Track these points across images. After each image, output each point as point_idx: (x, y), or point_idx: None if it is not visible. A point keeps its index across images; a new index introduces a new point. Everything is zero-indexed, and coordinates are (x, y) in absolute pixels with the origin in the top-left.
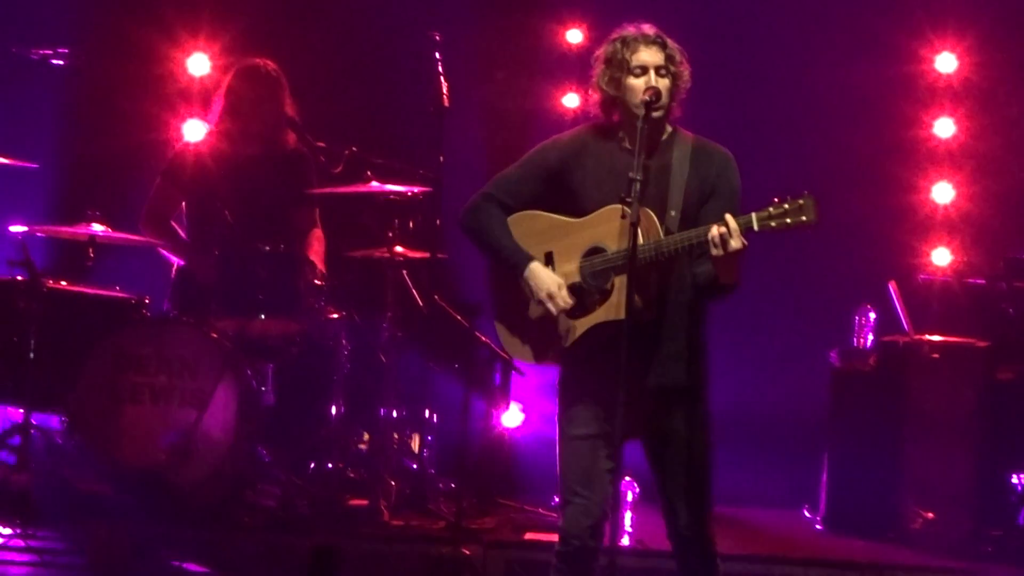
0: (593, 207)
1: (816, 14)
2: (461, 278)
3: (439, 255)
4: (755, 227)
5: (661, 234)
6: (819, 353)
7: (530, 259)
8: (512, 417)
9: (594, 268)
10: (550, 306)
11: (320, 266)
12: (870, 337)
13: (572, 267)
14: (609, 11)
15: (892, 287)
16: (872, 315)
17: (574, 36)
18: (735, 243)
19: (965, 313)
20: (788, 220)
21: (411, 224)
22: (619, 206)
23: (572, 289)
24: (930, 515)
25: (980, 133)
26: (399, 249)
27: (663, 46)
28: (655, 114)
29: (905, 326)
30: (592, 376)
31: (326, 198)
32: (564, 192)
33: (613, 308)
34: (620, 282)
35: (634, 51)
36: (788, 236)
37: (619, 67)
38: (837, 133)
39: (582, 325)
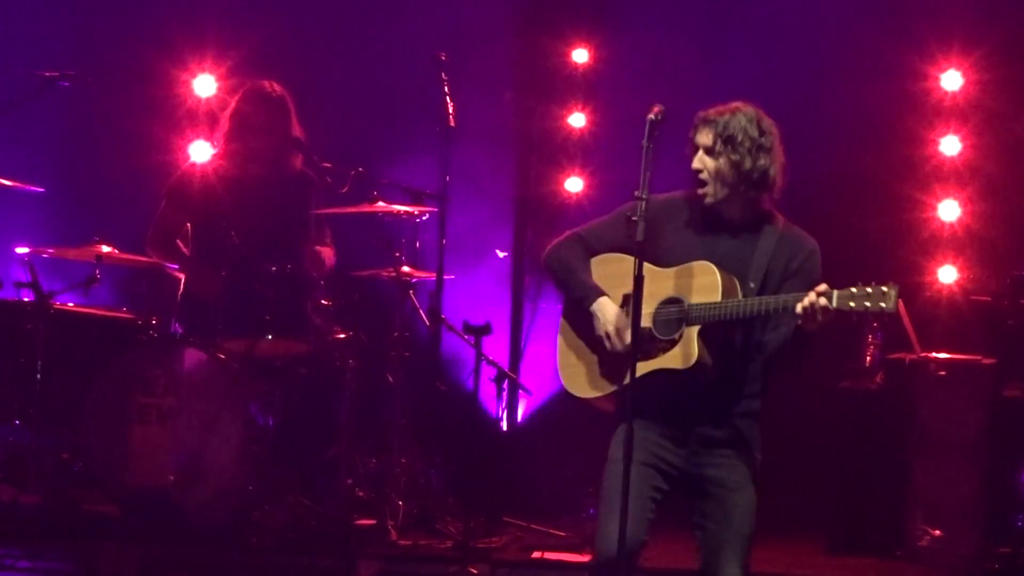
0: (674, 262)
1: (822, 32)
2: (468, 298)
3: (445, 275)
4: (833, 304)
5: (739, 295)
6: (826, 371)
7: (601, 294)
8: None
9: (667, 317)
10: (615, 340)
11: (326, 262)
12: (877, 355)
13: (647, 312)
14: (615, 31)
15: (899, 305)
16: (879, 333)
17: (580, 56)
18: (824, 301)
19: (972, 330)
20: (867, 304)
21: (417, 244)
22: (706, 263)
23: (640, 334)
24: (938, 532)
25: (986, 151)
26: (406, 269)
27: (715, 126)
28: (704, 196)
29: (913, 344)
30: (648, 415)
31: (333, 218)
32: (650, 245)
33: (677, 357)
34: (690, 333)
35: (696, 132)
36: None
37: (690, 144)
38: (843, 150)
39: (643, 368)
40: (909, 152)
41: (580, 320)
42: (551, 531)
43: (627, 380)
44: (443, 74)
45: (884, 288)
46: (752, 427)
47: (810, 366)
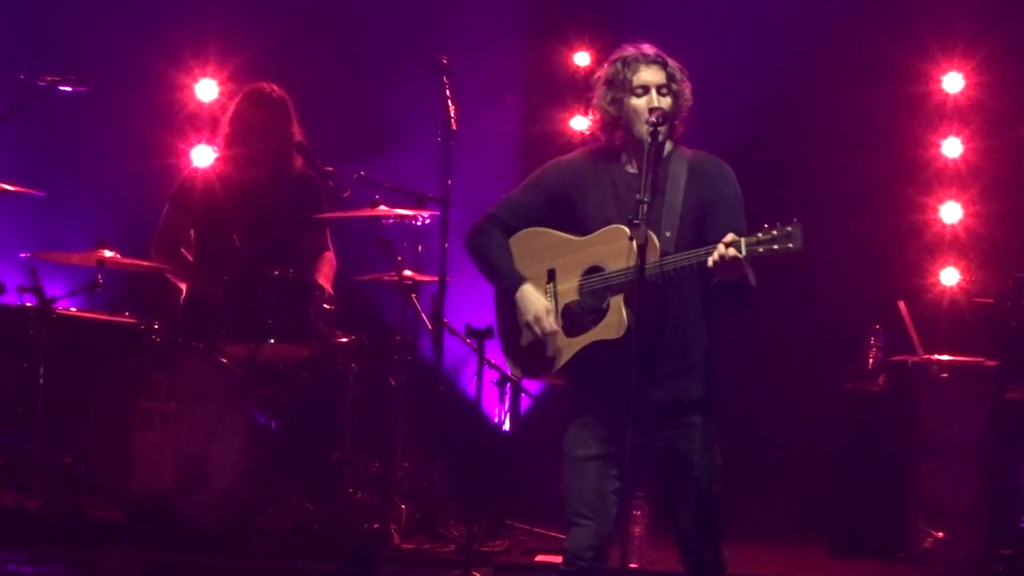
0: (595, 228)
1: (824, 35)
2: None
3: (448, 279)
4: (743, 252)
5: (658, 254)
6: (828, 374)
7: (522, 281)
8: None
9: (591, 287)
10: (536, 329)
11: (328, 289)
12: (879, 357)
13: (572, 285)
14: (616, 34)
15: (901, 307)
16: (881, 335)
17: (581, 59)
18: (733, 252)
19: (974, 332)
20: (775, 246)
21: (419, 248)
22: (620, 226)
23: (569, 308)
24: (940, 535)
25: (988, 153)
26: (408, 273)
27: (664, 65)
28: (657, 136)
29: (915, 346)
30: (593, 396)
31: (335, 222)
32: (566, 213)
33: (609, 327)
34: (616, 302)
35: (635, 71)
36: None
37: (621, 87)
38: (845, 153)
39: (576, 344)
40: (911, 154)
41: (509, 305)
42: (554, 535)
43: (566, 355)
44: (445, 78)
45: (789, 228)
46: (700, 384)
47: (754, 307)
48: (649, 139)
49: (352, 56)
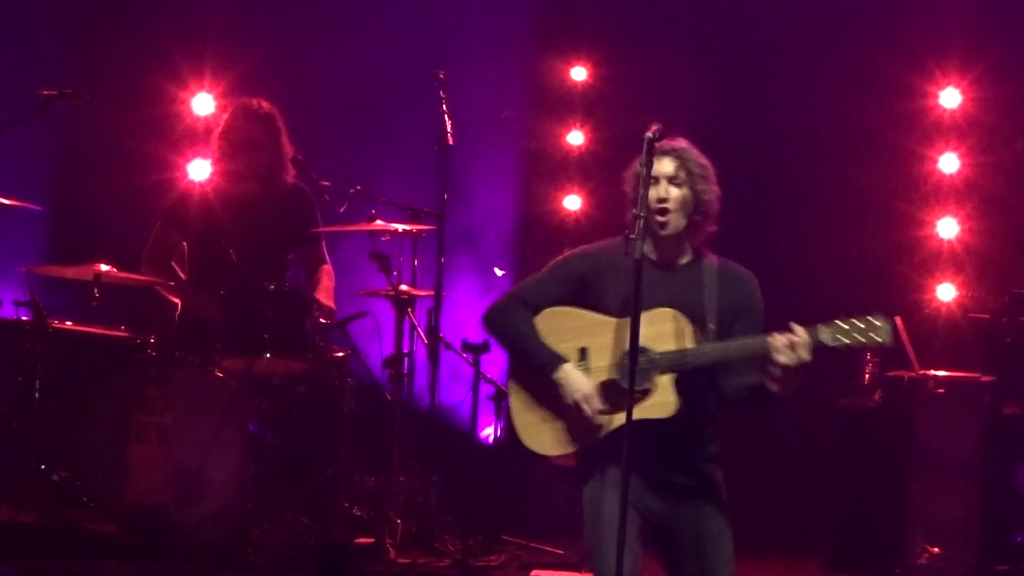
0: (617, 312)
1: (821, 50)
2: (466, 316)
3: (444, 293)
4: (829, 342)
5: (692, 342)
6: (824, 389)
7: (562, 361)
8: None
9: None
10: (586, 407)
11: (330, 302)
12: (875, 372)
13: (606, 363)
14: (613, 49)
15: (897, 322)
16: (877, 351)
17: (578, 74)
18: (804, 354)
19: (970, 348)
20: (862, 339)
21: (415, 262)
22: (666, 310)
23: (606, 386)
24: (936, 550)
25: (985, 168)
26: (404, 287)
27: (677, 157)
28: (665, 226)
29: (911, 361)
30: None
31: (331, 236)
32: (589, 298)
33: (659, 407)
34: (664, 382)
35: (650, 161)
36: (790, 272)
37: (638, 180)
38: (842, 168)
39: (617, 421)
40: (908, 170)
41: (536, 382)
42: (550, 549)
43: (607, 430)
44: (441, 92)
45: (878, 322)
46: (717, 471)
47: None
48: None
49: (349, 71)
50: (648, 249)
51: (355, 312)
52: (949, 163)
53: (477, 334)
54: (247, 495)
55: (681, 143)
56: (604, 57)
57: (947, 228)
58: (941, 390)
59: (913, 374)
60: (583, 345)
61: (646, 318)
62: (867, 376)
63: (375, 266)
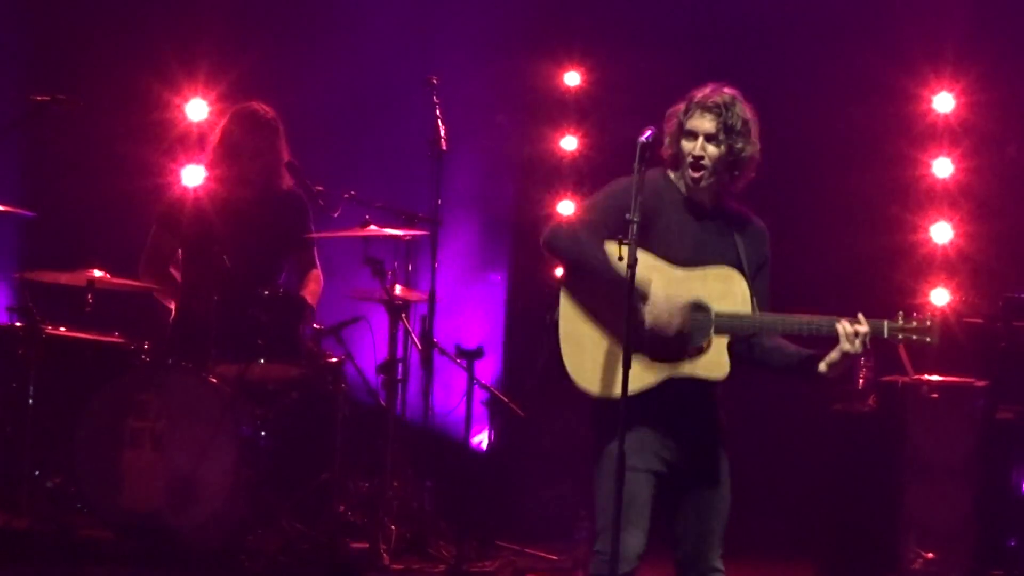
0: (672, 258)
1: (814, 54)
2: (460, 321)
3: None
4: (885, 335)
5: (746, 305)
6: (818, 393)
7: (649, 282)
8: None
9: (697, 324)
10: (676, 320)
11: (313, 302)
12: (870, 377)
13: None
14: (606, 54)
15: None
16: (871, 355)
17: (572, 79)
18: (863, 346)
19: (964, 353)
20: (915, 337)
21: (409, 268)
22: (729, 270)
23: (656, 332)
24: (930, 555)
25: (978, 173)
26: (398, 292)
27: (719, 114)
28: (699, 181)
29: (905, 366)
30: (657, 420)
31: (325, 241)
32: (649, 235)
33: (712, 366)
34: (719, 343)
35: (690, 116)
36: (784, 276)
37: (678, 128)
38: (836, 173)
39: (669, 371)
40: (901, 174)
41: (598, 306)
42: (543, 555)
43: (655, 380)
44: (435, 97)
45: (930, 323)
46: (723, 418)
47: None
48: (637, 157)
49: (342, 76)
50: (679, 185)
51: (349, 317)
52: (943, 167)
53: (471, 339)
54: (241, 501)
55: (727, 95)
56: (597, 62)
57: (941, 232)
58: (935, 395)
59: (907, 379)
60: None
61: (708, 273)
62: (861, 381)
63: (369, 271)
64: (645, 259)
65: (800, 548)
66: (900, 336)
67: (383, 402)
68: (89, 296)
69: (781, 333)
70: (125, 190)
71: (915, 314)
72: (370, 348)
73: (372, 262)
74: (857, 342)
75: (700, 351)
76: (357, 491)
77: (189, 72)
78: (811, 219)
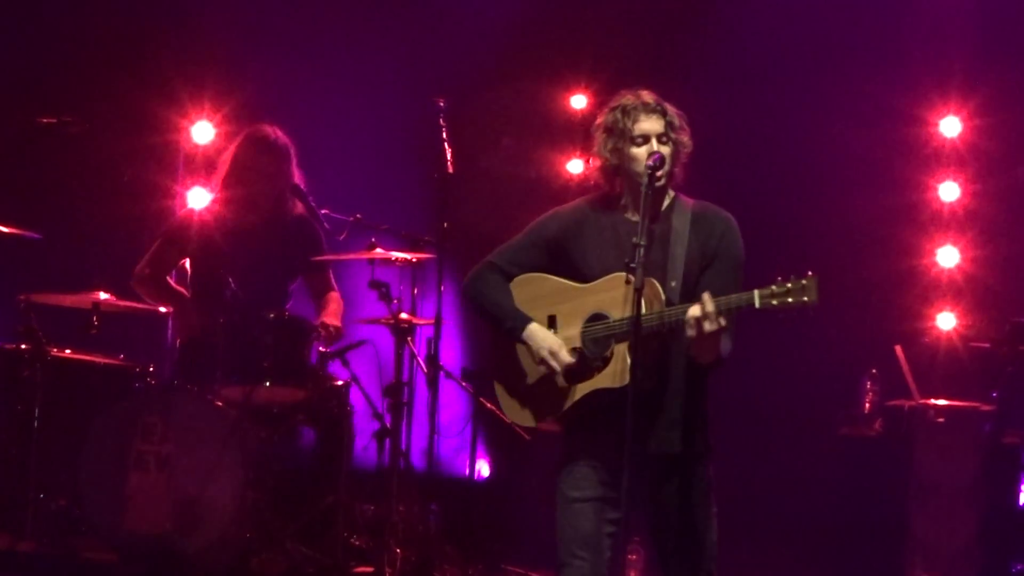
0: (595, 275)
1: (821, 79)
2: (466, 345)
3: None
4: (756, 304)
5: (663, 304)
6: (825, 417)
7: (528, 321)
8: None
9: (595, 335)
10: (553, 363)
11: (336, 321)
12: (876, 401)
13: (574, 332)
14: (613, 77)
15: (898, 351)
16: (878, 380)
17: (578, 102)
18: (708, 326)
19: (970, 377)
20: (790, 299)
21: (415, 291)
22: (624, 274)
23: (573, 353)
24: None
25: (985, 197)
26: (404, 316)
27: (663, 113)
28: (659, 182)
29: (911, 390)
30: (594, 440)
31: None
32: (566, 261)
33: (611, 376)
34: (620, 350)
35: (635, 120)
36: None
37: (620, 136)
38: (842, 196)
39: (581, 390)
40: (908, 198)
41: (510, 350)
42: None
43: (572, 400)
44: (441, 120)
45: (804, 281)
46: (702, 433)
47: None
48: (647, 183)
49: (347, 98)
50: (625, 207)
51: (355, 341)
52: (949, 191)
53: (477, 363)
54: (246, 524)
55: (654, 95)
56: (604, 86)
57: (947, 256)
58: (941, 419)
59: (913, 403)
60: (551, 312)
61: (606, 283)
62: (867, 405)
63: (375, 294)
64: (551, 284)
65: (807, 570)
66: (775, 302)
67: (389, 425)
68: (95, 318)
69: (676, 323)
70: (131, 212)
71: (792, 276)
72: (376, 371)
73: (378, 285)
74: (703, 325)
75: (606, 361)
76: (362, 514)
77: (195, 95)
78: (817, 243)
